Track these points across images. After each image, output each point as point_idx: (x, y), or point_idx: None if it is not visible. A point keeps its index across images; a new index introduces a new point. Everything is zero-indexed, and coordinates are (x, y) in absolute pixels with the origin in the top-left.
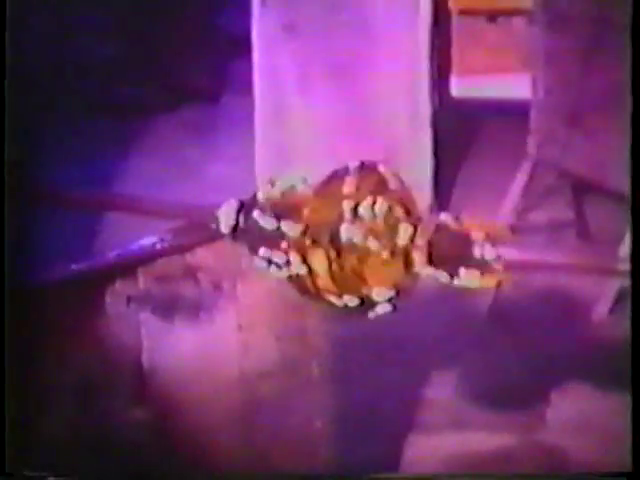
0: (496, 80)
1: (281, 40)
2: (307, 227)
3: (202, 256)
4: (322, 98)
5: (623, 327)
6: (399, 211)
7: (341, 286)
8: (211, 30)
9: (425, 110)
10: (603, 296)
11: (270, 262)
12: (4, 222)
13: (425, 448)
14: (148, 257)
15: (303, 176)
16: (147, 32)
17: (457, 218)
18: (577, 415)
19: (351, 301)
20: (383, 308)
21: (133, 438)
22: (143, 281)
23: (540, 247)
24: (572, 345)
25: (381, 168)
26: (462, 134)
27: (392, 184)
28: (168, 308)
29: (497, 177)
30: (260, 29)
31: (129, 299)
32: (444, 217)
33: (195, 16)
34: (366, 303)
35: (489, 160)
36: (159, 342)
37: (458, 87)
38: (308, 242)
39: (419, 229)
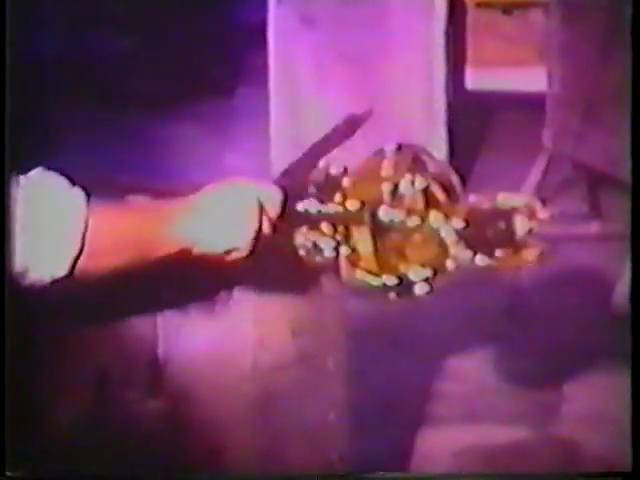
0: (511, 72)
1: (297, 32)
2: (348, 210)
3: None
4: (337, 90)
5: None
6: (437, 191)
7: (382, 266)
8: (227, 22)
9: (440, 102)
10: (618, 290)
11: (315, 246)
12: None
13: (439, 441)
14: None
15: (340, 165)
16: (162, 24)
17: (488, 198)
18: (593, 408)
19: (389, 280)
20: (421, 288)
21: (148, 429)
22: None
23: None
24: (587, 338)
25: (418, 150)
26: (477, 127)
27: (430, 166)
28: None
29: (512, 170)
30: (276, 21)
31: None
32: (474, 198)
33: (211, 8)
34: (404, 283)
35: (504, 153)
36: (175, 334)
37: (473, 79)
38: (350, 224)
39: (454, 210)
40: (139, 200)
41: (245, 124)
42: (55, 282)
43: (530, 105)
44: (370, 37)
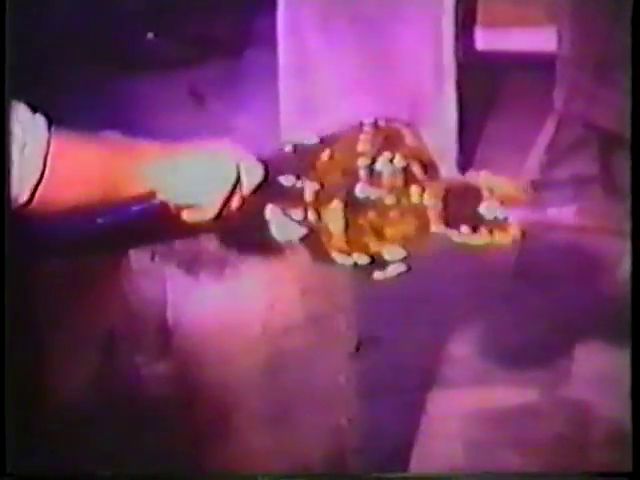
0: (522, 33)
1: None
2: (322, 185)
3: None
4: (346, 51)
5: None
6: (416, 168)
7: (353, 244)
8: None
9: (449, 62)
10: (627, 253)
11: (289, 221)
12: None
13: (449, 403)
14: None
15: (317, 135)
16: None
17: (473, 176)
18: (601, 370)
19: (360, 259)
20: (395, 268)
21: (157, 393)
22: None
23: (563, 205)
24: (596, 300)
25: (397, 124)
26: (487, 87)
27: (409, 140)
28: (193, 262)
29: (523, 131)
30: None
31: (153, 253)
32: (460, 176)
33: None
34: (377, 262)
35: (514, 114)
36: (184, 297)
37: (483, 40)
38: (323, 200)
39: (432, 188)
40: (111, 135)
41: (254, 87)
42: (20, 208)
43: (540, 66)
44: None
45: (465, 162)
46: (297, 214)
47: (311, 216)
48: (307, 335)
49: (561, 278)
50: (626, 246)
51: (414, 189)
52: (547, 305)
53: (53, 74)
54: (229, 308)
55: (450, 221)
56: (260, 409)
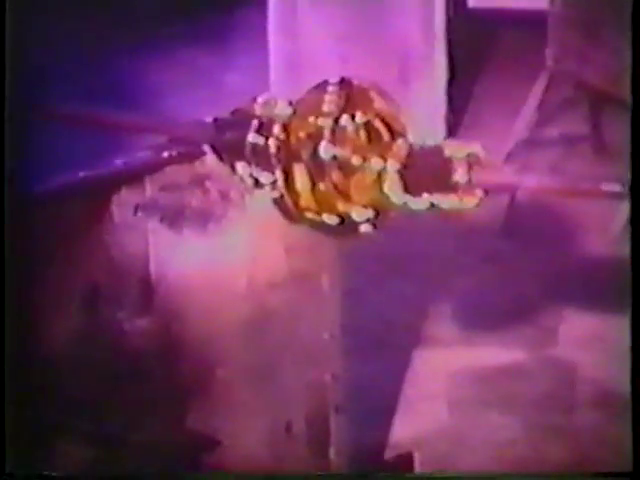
0: None
1: None
2: (289, 145)
3: (210, 165)
4: (335, 8)
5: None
6: (380, 126)
7: (322, 204)
8: None
9: (440, 19)
10: (617, 214)
11: (257, 182)
12: (4, 133)
13: (435, 362)
14: (155, 165)
15: (283, 97)
16: None
17: (443, 143)
18: (589, 330)
19: (330, 219)
20: (365, 228)
21: (140, 348)
22: (150, 189)
23: (552, 163)
24: (585, 262)
25: (364, 84)
26: (478, 44)
27: (377, 102)
28: (176, 217)
29: (513, 88)
30: None
31: (136, 208)
32: (419, 141)
33: None
34: (346, 222)
35: (505, 71)
36: (167, 251)
37: None
38: (290, 161)
39: (395, 151)
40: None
41: (244, 43)
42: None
43: (532, 23)
44: None
45: (454, 118)
46: (267, 177)
47: (279, 176)
48: (291, 292)
49: (549, 239)
50: (616, 207)
51: (376, 155)
52: (535, 265)
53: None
54: (212, 263)
55: (412, 186)
56: (243, 365)
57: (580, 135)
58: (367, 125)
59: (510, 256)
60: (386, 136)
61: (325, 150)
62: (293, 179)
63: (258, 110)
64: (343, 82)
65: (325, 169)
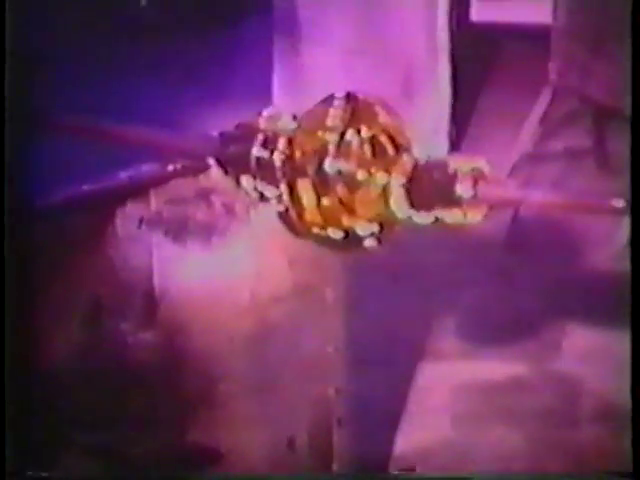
0: (517, 4)
1: None
2: (294, 159)
3: (215, 178)
4: (339, 23)
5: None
6: (385, 141)
7: (327, 219)
8: None
9: (444, 33)
10: (620, 228)
11: (262, 196)
12: (4, 144)
13: (438, 376)
14: (160, 178)
15: (288, 111)
16: None
17: (447, 157)
18: (591, 344)
19: (335, 234)
20: (369, 242)
21: (143, 361)
22: (155, 203)
23: (555, 178)
24: (588, 276)
25: (370, 99)
26: (481, 58)
27: (382, 117)
28: (180, 231)
29: (517, 103)
30: None
31: (141, 221)
32: (427, 155)
33: None
34: (351, 237)
35: (509, 85)
36: (171, 265)
37: (478, 10)
38: (295, 175)
39: (400, 166)
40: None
41: (248, 56)
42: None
43: (535, 37)
44: None
45: (458, 133)
46: (272, 190)
47: (284, 190)
48: (295, 305)
49: (552, 253)
50: (619, 221)
51: (381, 169)
52: (538, 279)
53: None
54: (216, 277)
55: (417, 201)
56: (247, 378)
57: (584, 149)
58: (372, 140)
59: (513, 270)
60: (391, 151)
61: (330, 165)
62: (298, 193)
63: (263, 124)
64: (349, 96)
65: (330, 184)
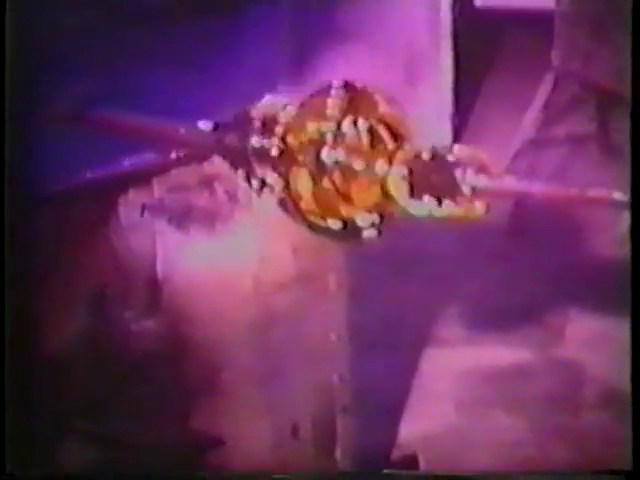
0: None
1: None
2: (291, 149)
3: (219, 165)
4: (341, 10)
5: None
6: (384, 132)
7: (323, 208)
8: None
9: (446, 19)
10: (623, 215)
11: (263, 183)
12: (4, 134)
13: (442, 363)
14: (163, 166)
15: (286, 100)
16: None
17: (449, 148)
18: (595, 331)
19: (334, 224)
20: (368, 233)
21: (146, 349)
22: (158, 190)
23: (559, 163)
24: (591, 262)
25: (369, 88)
26: (484, 44)
27: (382, 106)
28: (183, 218)
29: (520, 89)
30: None
31: (143, 208)
32: (430, 146)
33: None
34: (349, 227)
35: (512, 71)
36: (174, 252)
37: None
38: (291, 163)
39: (399, 156)
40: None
41: (251, 44)
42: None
43: (539, 22)
44: None
45: (460, 119)
46: (272, 178)
47: (279, 179)
48: (298, 293)
49: (555, 239)
50: (622, 207)
51: (380, 160)
52: (541, 265)
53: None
54: (219, 264)
55: (418, 190)
56: (250, 366)
57: (587, 135)
58: (370, 130)
59: (516, 256)
60: (390, 141)
61: (327, 155)
62: (295, 182)
63: (261, 113)
64: (347, 85)
65: (327, 173)
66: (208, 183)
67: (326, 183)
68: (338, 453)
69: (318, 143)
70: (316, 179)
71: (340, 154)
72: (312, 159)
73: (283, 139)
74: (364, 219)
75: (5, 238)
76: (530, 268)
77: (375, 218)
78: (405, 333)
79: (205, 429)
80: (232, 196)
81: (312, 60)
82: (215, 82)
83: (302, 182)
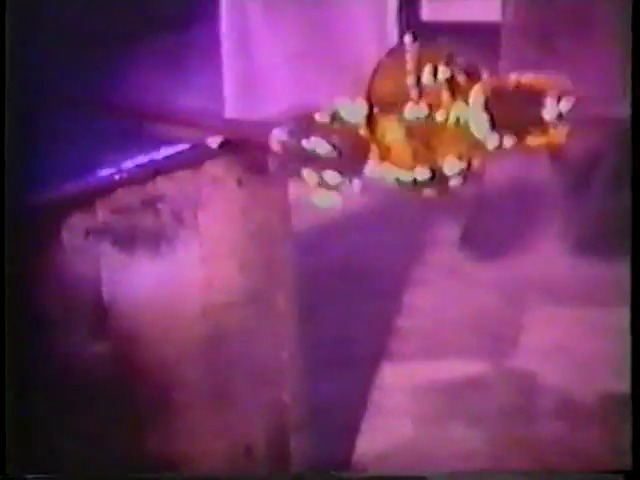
0: (466, 2)
1: None
2: (375, 105)
3: (162, 186)
4: (288, 26)
5: None
6: (463, 80)
7: (415, 156)
8: None
9: (393, 34)
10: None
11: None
12: None
13: (396, 377)
14: (106, 188)
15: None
16: None
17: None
18: (551, 339)
19: (422, 174)
20: (455, 181)
21: (94, 374)
22: (102, 213)
23: None
24: (545, 269)
25: (442, 40)
26: None
27: (457, 57)
28: (128, 240)
29: None
30: None
31: (87, 232)
32: (504, 79)
33: None
34: (437, 177)
35: None
36: (119, 275)
37: (428, 10)
38: (377, 120)
39: (475, 91)
40: None
41: (198, 61)
42: None
43: (485, 35)
44: None
45: None
46: (333, 176)
47: (364, 133)
48: (247, 311)
49: (507, 248)
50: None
51: (458, 102)
52: (494, 276)
53: None
54: (166, 285)
55: (499, 123)
56: (201, 387)
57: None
58: (450, 79)
59: (468, 267)
60: (467, 85)
61: (410, 112)
62: (384, 134)
63: (322, 118)
64: (416, 39)
65: (412, 128)
66: (152, 204)
67: (412, 137)
68: (293, 472)
69: (401, 100)
70: (404, 130)
71: (423, 110)
72: (397, 116)
73: (367, 101)
74: (452, 166)
75: None
76: (482, 279)
77: (463, 165)
78: (358, 348)
79: (158, 451)
80: (177, 216)
81: (260, 77)
82: (159, 100)
83: (392, 132)
